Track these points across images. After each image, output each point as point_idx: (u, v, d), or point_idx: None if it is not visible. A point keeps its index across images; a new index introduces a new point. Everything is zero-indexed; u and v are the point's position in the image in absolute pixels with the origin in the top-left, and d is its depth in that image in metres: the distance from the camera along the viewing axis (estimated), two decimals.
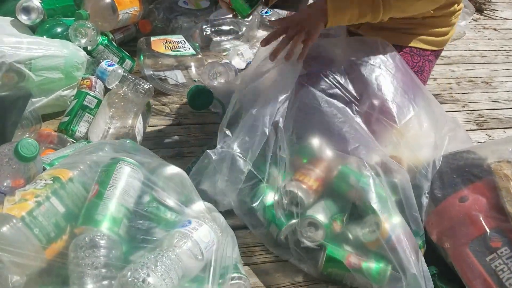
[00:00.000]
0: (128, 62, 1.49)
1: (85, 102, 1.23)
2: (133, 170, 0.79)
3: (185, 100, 1.42)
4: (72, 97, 1.28)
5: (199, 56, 1.49)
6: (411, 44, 1.17)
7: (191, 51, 1.49)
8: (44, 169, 0.89)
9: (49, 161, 0.94)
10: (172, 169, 0.86)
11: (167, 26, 1.67)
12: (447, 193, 1.07)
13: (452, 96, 1.66)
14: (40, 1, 1.40)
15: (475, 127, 1.53)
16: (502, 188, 1.02)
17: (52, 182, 0.76)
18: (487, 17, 2.27)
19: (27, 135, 1.10)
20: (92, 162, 0.82)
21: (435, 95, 1.63)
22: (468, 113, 1.58)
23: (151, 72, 1.45)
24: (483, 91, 1.72)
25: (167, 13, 1.66)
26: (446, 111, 1.56)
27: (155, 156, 0.92)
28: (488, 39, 2.09)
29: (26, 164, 0.79)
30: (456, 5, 1.20)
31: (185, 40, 1.52)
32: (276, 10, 1.80)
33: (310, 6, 1.04)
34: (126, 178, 0.78)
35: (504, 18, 2.27)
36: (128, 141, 0.96)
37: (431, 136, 1.12)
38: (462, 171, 1.08)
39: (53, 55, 1.24)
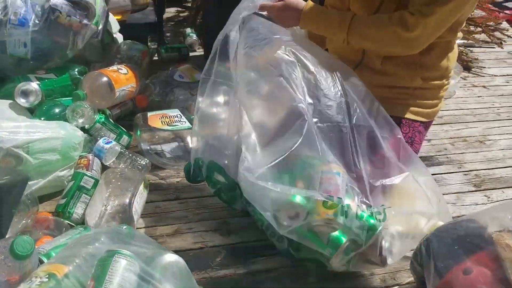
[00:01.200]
0: (125, 138, 1.50)
1: (81, 183, 1.23)
2: (129, 263, 0.78)
3: (182, 173, 1.42)
4: (69, 177, 1.28)
5: None
6: (402, 115, 1.19)
7: (187, 124, 1.51)
8: (40, 261, 0.88)
9: (45, 252, 0.93)
10: (169, 257, 0.85)
11: (163, 99, 1.70)
12: (450, 265, 1.05)
13: (448, 157, 1.67)
14: (38, 83, 1.44)
15: (473, 189, 1.52)
16: (505, 259, 1.01)
17: (47, 279, 0.75)
18: (476, 75, 2.33)
19: (24, 221, 1.09)
20: (88, 254, 0.81)
21: (430, 157, 1.66)
22: (465, 174, 1.59)
23: (148, 147, 1.46)
24: (477, 150, 1.73)
25: (163, 87, 1.70)
26: (443, 173, 1.58)
27: (152, 242, 0.91)
28: (478, 96, 2.13)
29: (22, 261, 0.78)
30: (445, 79, 1.23)
31: (181, 114, 1.55)
32: None
33: (288, 8, 1.15)
34: (122, 272, 0.76)
35: (492, 75, 2.32)
36: (124, 227, 0.95)
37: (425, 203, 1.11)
38: (463, 241, 1.06)
39: (51, 137, 1.25)
